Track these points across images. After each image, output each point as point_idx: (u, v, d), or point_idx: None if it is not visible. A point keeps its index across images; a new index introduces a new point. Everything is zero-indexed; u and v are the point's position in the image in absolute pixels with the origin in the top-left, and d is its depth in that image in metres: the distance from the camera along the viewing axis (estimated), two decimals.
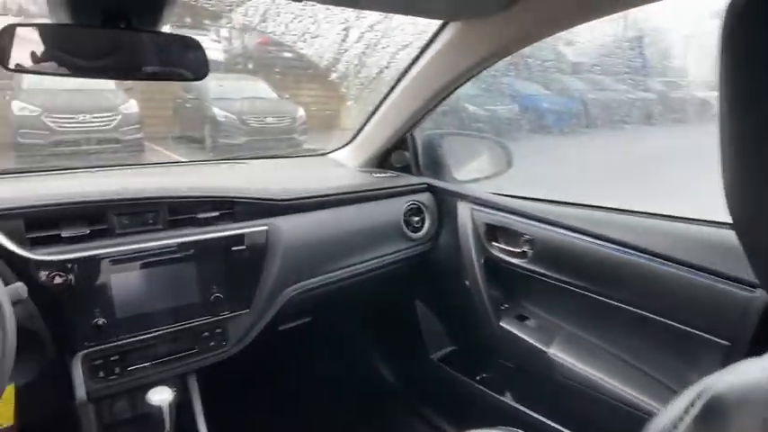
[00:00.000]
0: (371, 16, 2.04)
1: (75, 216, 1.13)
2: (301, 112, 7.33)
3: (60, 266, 1.07)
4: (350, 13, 2.19)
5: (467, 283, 1.56)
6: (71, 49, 0.92)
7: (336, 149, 1.91)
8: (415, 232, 1.64)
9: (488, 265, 1.54)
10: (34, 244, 1.07)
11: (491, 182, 1.73)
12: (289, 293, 1.37)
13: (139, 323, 1.17)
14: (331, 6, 1.09)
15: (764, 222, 0.35)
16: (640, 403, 1.19)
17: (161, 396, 1.13)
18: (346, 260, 1.48)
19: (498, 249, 1.52)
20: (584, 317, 1.38)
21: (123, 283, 1.15)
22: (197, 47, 0.98)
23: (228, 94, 6.70)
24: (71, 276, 1.08)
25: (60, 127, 5.54)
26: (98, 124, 5.80)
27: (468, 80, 1.42)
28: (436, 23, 1.32)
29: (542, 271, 1.41)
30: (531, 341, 1.43)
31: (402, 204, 1.62)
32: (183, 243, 1.21)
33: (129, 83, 5.20)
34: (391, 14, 1.33)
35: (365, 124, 1.76)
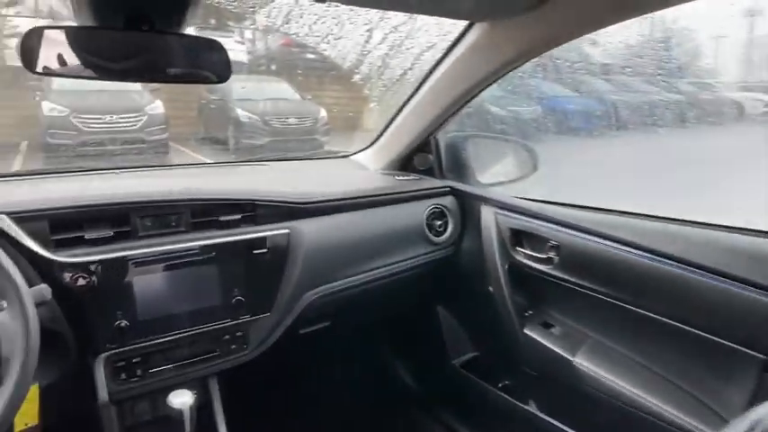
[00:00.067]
0: (396, 17, 2.02)
1: (98, 218, 1.13)
2: (323, 113, 7.36)
3: (84, 268, 1.07)
4: (374, 14, 2.18)
5: (490, 288, 1.53)
6: (96, 52, 0.92)
7: (358, 151, 1.89)
8: (438, 236, 1.61)
9: (512, 271, 1.51)
10: (58, 246, 1.07)
11: (516, 186, 1.69)
12: (310, 297, 1.36)
13: (161, 325, 1.18)
14: (355, 7, 1.07)
15: None
16: (672, 417, 1.15)
17: (182, 399, 1.13)
18: (368, 264, 1.46)
19: (523, 255, 1.49)
20: (613, 326, 1.34)
21: (145, 285, 1.15)
22: (220, 49, 0.98)
23: (252, 95, 6.76)
24: (94, 278, 1.08)
25: (87, 127, 5.66)
26: (124, 125, 5.91)
27: (494, 82, 1.39)
28: (462, 24, 1.30)
29: (569, 278, 1.37)
30: (556, 349, 1.39)
31: (425, 208, 1.60)
32: (204, 246, 1.21)
33: (155, 84, 5.27)
34: (416, 15, 1.31)
35: (388, 126, 1.74)
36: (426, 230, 1.58)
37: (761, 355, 1.03)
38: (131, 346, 1.15)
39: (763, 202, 1.39)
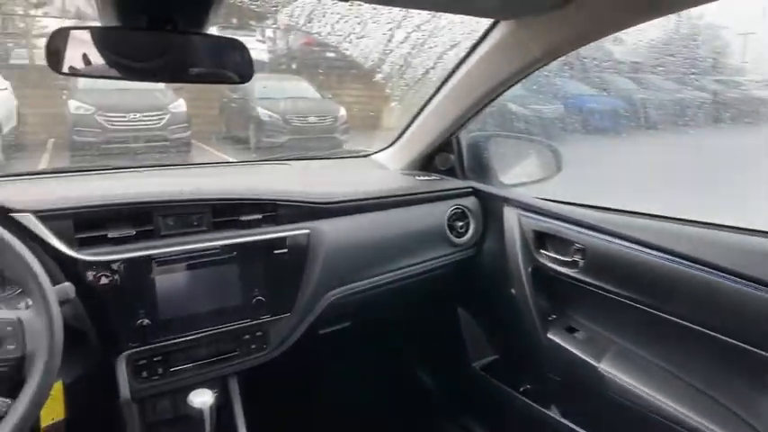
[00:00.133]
0: (419, 16, 2.00)
1: (121, 217, 1.14)
2: (343, 111, 7.38)
3: (107, 267, 1.08)
4: (397, 12, 2.16)
5: (513, 291, 1.50)
6: (120, 52, 0.93)
7: (379, 151, 1.88)
8: (459, 237, 1.59)
9: (536, 274, 1.48)
10: (82, 244, 1.08)
11: (539, 186, 1.66)
12: (330, 297, 1.35)
13: (182, 324, 1.18)
14: (378, 6, 1.06)
15: None
16: (701, 428, 1.11)
17: (202, 399, 1.13)
18: (388, 265, 1.45)
19: (547, 258, 1.46)
20: (640, 332, 1.30)
21: (167, 284, 1.15)
22: (243, 49, 0.97)
23: (272, 93, 6.80)
24: (117, 277, 1.09)
25: (112, 125, 5.76)
26: (148, 123, 6.00)
27: (519, 81, 1.36)
28: (486, 23, 1.27)
29: (594, 282, 1.33)
30: (580, 354, 1.36)
31: (446, 208, 1.58)
32: (226, 245, 1.21)
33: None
34: (440, 13, 1.29)
35: (409, 126, 1.72)
36: (447, 231, 1.56)
37: None
38: (153, 345, 1.15)
39: None
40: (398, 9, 1.04)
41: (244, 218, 1.26)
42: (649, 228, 1.26)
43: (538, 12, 1.13)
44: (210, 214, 1.23)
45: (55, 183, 1.40)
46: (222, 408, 1.25)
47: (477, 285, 1.68)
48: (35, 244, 1.02)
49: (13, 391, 0.84)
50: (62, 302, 0.92)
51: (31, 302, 0.91)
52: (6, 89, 6.07)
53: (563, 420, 1.45)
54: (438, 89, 1.54)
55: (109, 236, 1.11)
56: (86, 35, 0.90)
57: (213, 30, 1.01)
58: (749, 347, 1.05)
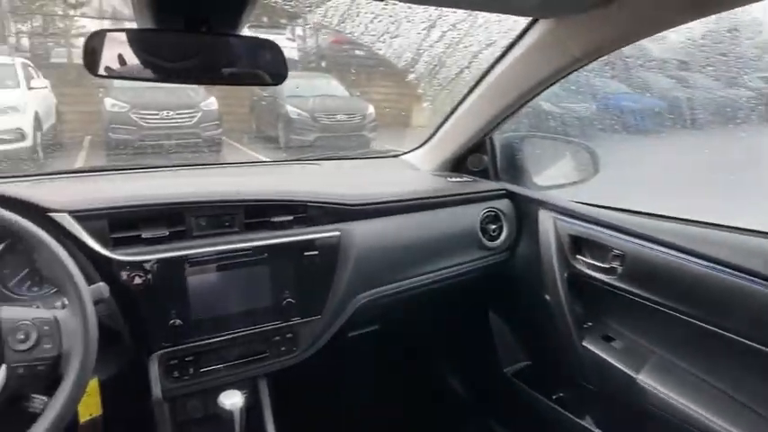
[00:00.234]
0: (454, 15, 1.96)
1: (155, 217, 1.15)
2: (371, 109, 7.38)
3: (140, 267, 1.09)
4: (432, 11, 2.13)
5: (547, 297, 1.46)
6: (156, 53, 0.93)
7: (409, 151, 1.85)
8: (492, 241, 1.55)
9: (571, 280, 1.43)
10: (116, 244, 1.09)
11: (575, 189, 1.61)
12: (360, 300, 1.34)
13: (213, 325, 1.18)
14: (414, 5, 1.03)
15: None
16: None
17: (232, 400, 1.13)
18: (419, 268, 1.42)
19: (583, 263, 1.41)
20: (682, 343, 1.25)
21: (199, 285, 1.16)
22: (277, 50, 0.96)
23: (302, 91, 6.84)
24: (150, 277, 1.10)
25: (146, 123, 5.89)
26: (180, 120, 6.11)
27: (557, 82, 1.31)
28: (524, 21, 1.23)
29: (633, 290, 1.28)
30: (617, 365, 1.31)
31: (479, 211, 1.54)
32: (257, 246, 1.21)
33: None
34: (477, 12, 1.25)
35: (441, 126, 1.69)
36: (480, 234, 1.53)
37: None
38: (184, 345, 1.16)
39: None
40: (434, 8, 1.02)
41: (275, 219, 1.26)
42: (693, 235, 1.20)
43: (579, 10, 1.09)
44: (242, 215, 1.23)
45: (90, 182, 1.43)
46: (251, 409, 1.25)
47: (510, 290, 1.64)
48: (71, 243, 1.03)
49: (50, 388, 0.85)
50: (97, 302, 0.93)
51: (66, 302, 0.92)
52: (46, 87, 6.27)
53: (597, 431, 1.41)
54: (472, 89, 1.51)
55: (143, 236, 1.12)
56: (122, 37, 0.91)
57: (246, 30, 1.01)
58: None
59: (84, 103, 6.62)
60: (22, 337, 0.84)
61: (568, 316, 1.41)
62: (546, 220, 1.49)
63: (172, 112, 6.06)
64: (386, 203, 1.41)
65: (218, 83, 1.05)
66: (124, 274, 1.07)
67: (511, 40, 1.30)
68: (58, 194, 1.11)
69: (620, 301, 1.33)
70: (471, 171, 1.69)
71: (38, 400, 0.85)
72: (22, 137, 5.21)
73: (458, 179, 1.64)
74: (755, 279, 1.05)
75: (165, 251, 1.12)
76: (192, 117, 6.15)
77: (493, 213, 1.56)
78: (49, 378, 0.86)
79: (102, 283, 0.97)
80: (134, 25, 0.98)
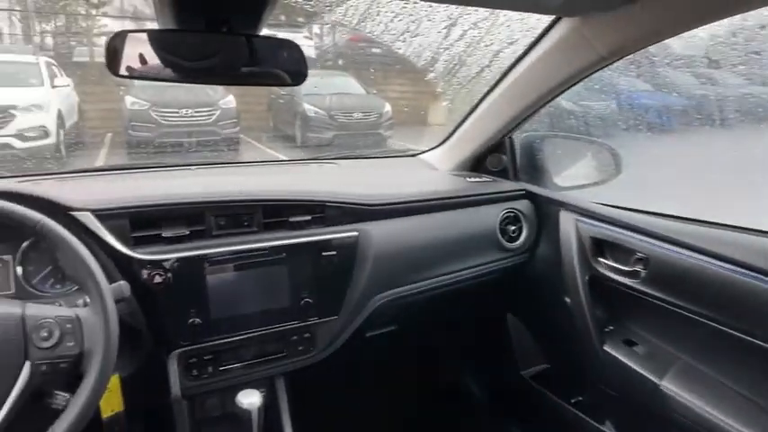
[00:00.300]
0: (476, 13, 1.94)
1: (175, 216, 1.15)
2: (388, 107, 7.37)
3: (160, 266, 1.09)
4: (453, 10, 2.11)
5: (567, 299, 1.44)
6: (177, 54, 0.93)
7: (427, 150, 1.84)
8: (512, 242, 1.53)
9: (593, 283, 1.41)
10: (137, 243, 1.10)
11: (596, 190, 1.58)
12: (377, 301, 1.33)
13: (232, 324, 1.19)
14: (434, 4, 1.02)
15: None
16: None
17: (250, 400, 1.13)
18: (438, 269, 1.41)
19: (605, 266, 1.38)
20: (708, 349, 1.21)
21: (218, 284, 1.16)
22: (297, 50, 0.96)
23: (319, 89, 6.86)
24: (170, 275, 1.10)
25: (165, 120, 5.97)
26: (199, 118, 6.18)
27: (580, 81, 1.29)
28: (547, 20, 1.21)
29: (657, 294, 1.25)
30: (639, 370, 1.29)
31: (498, 212, 1.52)
32: (275, 246, 1.21)
33: None
34: (499, 11, 1.23)
35: (460, 125, 1.68)
36: (499, 236, 1.51)
37: None
38: (203, 344, 1.16)
39: None
40: (455, 7, 1.00)
41: (293, 219, 1.26)
42: (720, 238, 1.17)
43: (604, 9, 1.07)
44: (261, 215, 1.23)
45: (112, 180, 1.44)
46: (268, 408, 1.25)
47: (529, 292, 1.62)
48: (93, 242, 1.04)
49: (72, 385, 0.86)
50: (118, 301, 0.94)
51: (88, 300, 0.93)
52: (69, 86, 6.39)
53: None
54: (492, 87, 1.49)
55: (163, 235, 1.13)
56: (143, 37, 0.91)
57: (264, 29, 1.01)
58: None
59: (105, 101, 6.73)
60: (46, 334, 0.85)
61: (589, 319, 1.39)
62: (567, 221, 1.46)
63: (191, 110, 6.14)
64: (404, 203, 1.39)
65: (238, 83, 1.05)
66: (145, 273, 1.08)
67: (533, 39, 1.28)
68: (81, 193, 1.12)
69: (642, 304, 1.30)
70: (490, 171, 1.67)
71: (60, 396, 0.86)
72: (46, 134, 5.31)
73: (477, 179, 1.62)
74: None
75: (185, 250, 1.13)
76: (211, 115, 6.22)
77: (512, 214, 1.54)
78: (71, 375, 0.87)
79: (123, 282, 0.98)
80: (155, 25, 0.98)
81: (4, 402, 0.80)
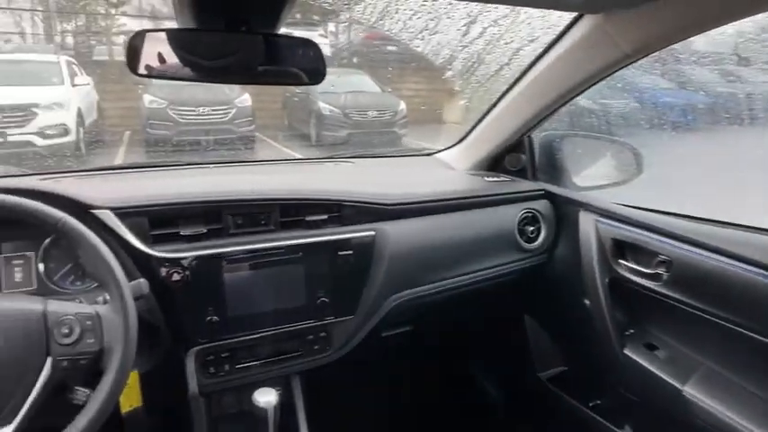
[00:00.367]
0: (496, 11, 1.92)
1: (193, 215, 1.16)
2: (402, 105, 7.36)
3: (178, 264, 1.10)
4: (473, 8, 2.09)
5: (586, 302, 1.41)
6: (196, 53, 0.93)
7: (444, 149, 1.83)
8: (530, 243, 1.51)
9: (613, 285, 1.38)
10: (156, 241, 1.11)
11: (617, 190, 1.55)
12: (394, 301, 1.32)
13: (249, 323, 1.19)
14: (454, 1, 1.01)
15: None
16: None
17: (267, 398, 1.13)
18: (454, 269, 1.40)
19: (626, 268, 1.36)
20: (732, 354, 1.19)
21: (235, 282, 1.16)
22: (316, 49, 0.95)
23: (334, 87, 6.87)
24: (188, 273, 1.11)
25: (183, 118, 6.03)
26: (215, 117, 6.24)
27: (602, 79, 1.26)
28: (568, 17, 1.19)
29: (680, 297, 1.23)
30: (661, 374, 1.26)
31: (516, 212, 1.51)
32: (291, 245, 1.21)
33: None
34: (520, 8, 1.21)
35: (478, 124, 1.66)
36: (517, 236, 1.49)
37: None
38: (220, 342, 1.17)
39: None
40: (475, 4, 0.99)
41: (309, 218, 1.26)
42: (746, 240, 1.14)
43: (627, 5, 1.04)
44: (278, 214, 1.23)
45: (131, 178, 1.45)
46: (284, 406, 1.25)
47: (547, 293, 1.60)
48: (112, 240, 1.05)
49: (92, 381, 0.87)
50: (137, 298, 0.95)
51: (108, 297, 0.94)
52: (89, 84, 6.48)
53: None
54: (512, 86, 1.46)
55: (181, 233, 1.13)
56: (162, 36, 0.91)
57: (282, 29, 1.00)
58: None
59: (124, 100, 6.83)
60: (67, 331, 0.85)
61: (609, 322, 1.37)
62: (587, 222, 1.44)
63: (208, 109, 6.20)
64: (421, 203, 1.38)
65: (256, 82, 1.04)
66: (163, 271, 1.09)
67: (554, 37, 1.26)
68: (101, 191, 1.13)
69: (664, 308, 1.27)
70: (508, 170, 1.65)
71: (81, 392, 0.87)
72: (66, 132, 5.40)
73: (495, 179, 1.60)
74: None
75: (203, 248, 1.13)
76: (227, 113, 6.27)
77: (531, 214, 1.52)
78: (91, 371, 0.88)
79: (142, 280, 0.99)
80: (174, 25, 0.99)
81: (27, 397, 0.81)
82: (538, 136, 1.62)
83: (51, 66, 5.99)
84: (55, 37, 8.36)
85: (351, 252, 1.26)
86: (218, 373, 1.18)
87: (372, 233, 1.29)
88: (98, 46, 8.43)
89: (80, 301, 0.98)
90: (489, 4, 1.23)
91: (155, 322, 1.10)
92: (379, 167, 1.89)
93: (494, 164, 1.68)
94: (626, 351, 1.34)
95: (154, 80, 5.83)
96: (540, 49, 1.32)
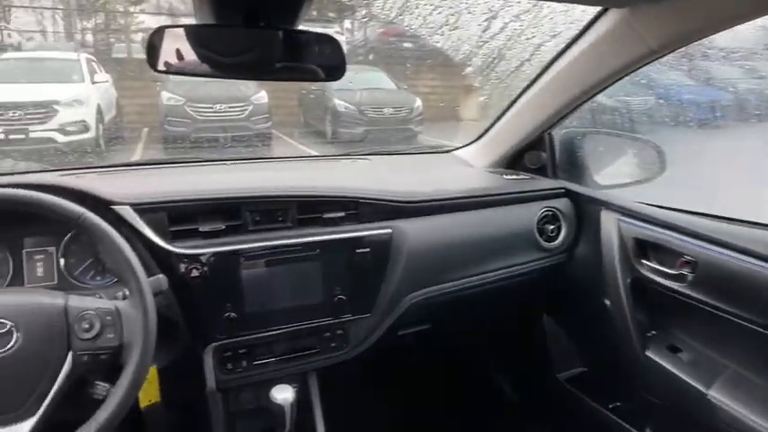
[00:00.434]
0: (518, 5, 1.89)
1: (212, 211, 1.16)
2: (418, 102, 7.33)
3: (197, 260, 1.10)
4: (494, 2, 2.07)
5: (607, 302, 1.39)
6: (215, 49, 0.93)
7: (462, 146, 1.81)
8: (550, 242, 1.49)
9: (635, 285, 1.35)
10: (175, 237, 1.11)
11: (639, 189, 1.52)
12: (411, 299, 1.31)
13: (266, 319, 1.19)
14: None
15: None
16: None
17: (284, 395, 1.13)
18: (473, 268, 1.38)
19: (648, 269, 1.33)
20: (759, 357, 1.15)
21: (253, 278, 1.16)
22: (336, 45, 0.94)
23: (350, 84, 6.86)
24: (206, 269, 1.11)
25: (200, 115, 6.09)
26: (232, 114, 6.28)
27: (626, 75, 1.23)
28: (592, 11, 1.16)
29: (705, 299, 1.19)
30: (685, 377, 1.23)
31: (536, 210, 1.48)
32: (309, 242, 1.21)
33: None
34: (543, 3, 1.19)
35: (497, 121, 1.64)
36: (537, 235, 1.47)
37: None
38: (238, 338, 1.17)
39: None
40: None
41: (327, 215, 1.25)
42: None
43: None
44: (296, 211, 1.23)
45: (150, 175, 1.46)
46: (301, 403, 1.25)
47: (567, 293, 1.57)
48: (132, 235, 1.05)
49: (112, 376, 0.88)
50: (156, 294, 0.95)
51: (127, 293, 0.94)
52: (108, 81, 6.57)
53: None
54: (533, 82, 1.44)
55: (200, 229, 1.14)
56: (181, 32, 0.91)
57: (301, 25, 1.00)
58: None
59: (142, 97, 6.91)
60: (87, 326, 0.86)
61: (630, 323, 1.34)
62: (608, 221, 1.41)
63: (224, 106, 6.24)
64: (439, 201, 1.37)
65: (274, 78, 1.03)
66: (182, 267, 1.09)
67: (577, 32, 1.23)
68: (121, 187, 1.14)
69: (688, 309, 1.24)
70: (528, 168, 1.63)
71: (101, 386, 0.88)
72: (86, 128, 5.48)
73: (514, 177, 1.58)
74: None
75: (222, 245, 1.13)
76: (244, 110, 6.31)
77: (551, 213, 1.50)
78: (111, 366, 0.88)
79: (161, 276, 0.99)
80: (193, 21, 0.98)
81: (49, 390, 0.82)
82: (558, 133, 1.60)
83: (72, 63, 6.08)
84: (75, 35, 8.50)
85: (368, 250, 1.26)
86: (236, 369, 1.19)
87: (389, 231, 1.29)
88: (117, 43, 8.54)
89: (100, 297, 0.99)
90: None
91: (173, 318, 1.10)
92: (396, 164, 1.88)
93: (513, 161, 1.65)
94: (648, 353, 1.32)
95: (171, 77, 5.89)
96: (563, 45, 1.29)
